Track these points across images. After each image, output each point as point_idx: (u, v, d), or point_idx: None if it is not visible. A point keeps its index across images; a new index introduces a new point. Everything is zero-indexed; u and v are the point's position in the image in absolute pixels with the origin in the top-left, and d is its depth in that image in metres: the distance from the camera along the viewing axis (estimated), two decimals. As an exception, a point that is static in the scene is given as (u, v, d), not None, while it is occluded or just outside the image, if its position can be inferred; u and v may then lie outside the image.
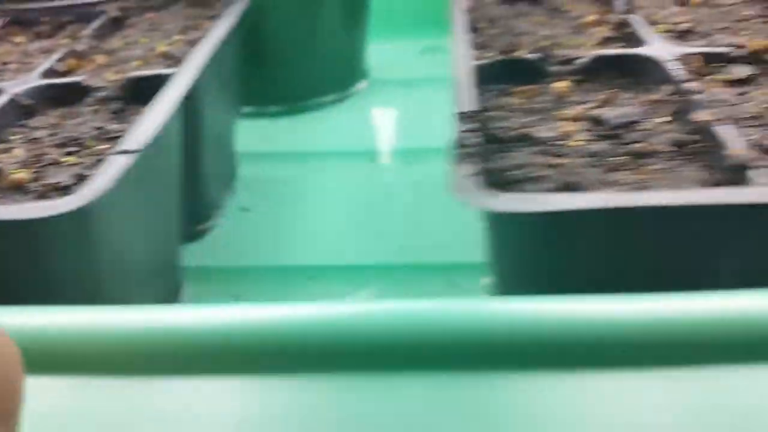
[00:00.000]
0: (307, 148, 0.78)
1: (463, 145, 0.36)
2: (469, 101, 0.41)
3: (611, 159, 0.41)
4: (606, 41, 0.56)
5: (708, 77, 0.49)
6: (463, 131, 0.38)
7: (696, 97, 0.43)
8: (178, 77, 0.50)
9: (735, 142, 0.38)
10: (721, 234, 0.33)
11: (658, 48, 0.50)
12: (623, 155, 0.41)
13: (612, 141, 0.42)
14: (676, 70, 0.47)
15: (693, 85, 0.44)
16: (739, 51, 0.50)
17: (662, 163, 0.40)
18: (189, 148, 0.55)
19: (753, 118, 0.44)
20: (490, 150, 0.41)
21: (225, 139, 0.67)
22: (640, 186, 0.38)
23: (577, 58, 0.50)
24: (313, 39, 0.84)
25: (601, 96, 0.47)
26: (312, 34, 0.84)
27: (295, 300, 0.42)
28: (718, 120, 0.41)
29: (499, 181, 0.36)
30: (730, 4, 0.63)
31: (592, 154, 0.41)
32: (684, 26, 0.57)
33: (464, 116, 0.39)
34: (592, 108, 0.45)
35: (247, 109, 0.84)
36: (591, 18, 0.61)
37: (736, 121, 0.44)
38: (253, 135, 0.79)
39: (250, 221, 0.64)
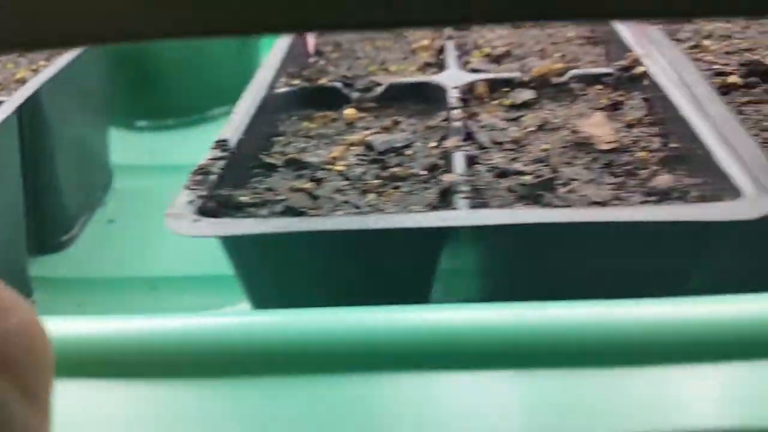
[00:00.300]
0: (192, 161, 0.81)
1: (199, 172, 0.40)
2: (238, 128, 0.45)
3: (368, 182, 0.45)
4: (425, 66, 0.60)
5: (495, 102, 0.53)
6: (210, 158, 0.42)
7: (455, 124, 0.47)
8: (6, 103, 0.54)
9: (458, 167, 0.42)
10: (399, 255, 0.38)
11: (448, 75, 0.54)
12: (381, 179, 0.45)
13: (376, 165, 0.47)
14: (453, 97, 0.50)
15: (458, 113, 0.48)
16: (526, 75, 0.54)
17: (410, 187, 0.44)
18: (36, 164, 0.59)
19: (512, 142, 0.48)
20: (248, 175, 0.45)
21: (90, 153, 0.71)
22: (379, 208, 0.42)
23: (377, 85, 0.54)
24: (207, 50, 0.88)
25: (387, 122, 0.51)
26: (206, 46, 0.88)
27: (133, 311, 0.46)
28: (459, 146, 0.45)
29: (234, 205, 0.41)
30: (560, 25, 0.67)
31: (352, 178, 0.45)
32: (502, 50, 0.61)
33: (217, 144, 0.43)
34: (372, 134, 0.50)
35: (143, 123, 0.89)
36: (424, 42, 0.65)
37: (497, 145, 0.48)
38: (141, 148, 0.83)
39: (113, 233, 0.68)
